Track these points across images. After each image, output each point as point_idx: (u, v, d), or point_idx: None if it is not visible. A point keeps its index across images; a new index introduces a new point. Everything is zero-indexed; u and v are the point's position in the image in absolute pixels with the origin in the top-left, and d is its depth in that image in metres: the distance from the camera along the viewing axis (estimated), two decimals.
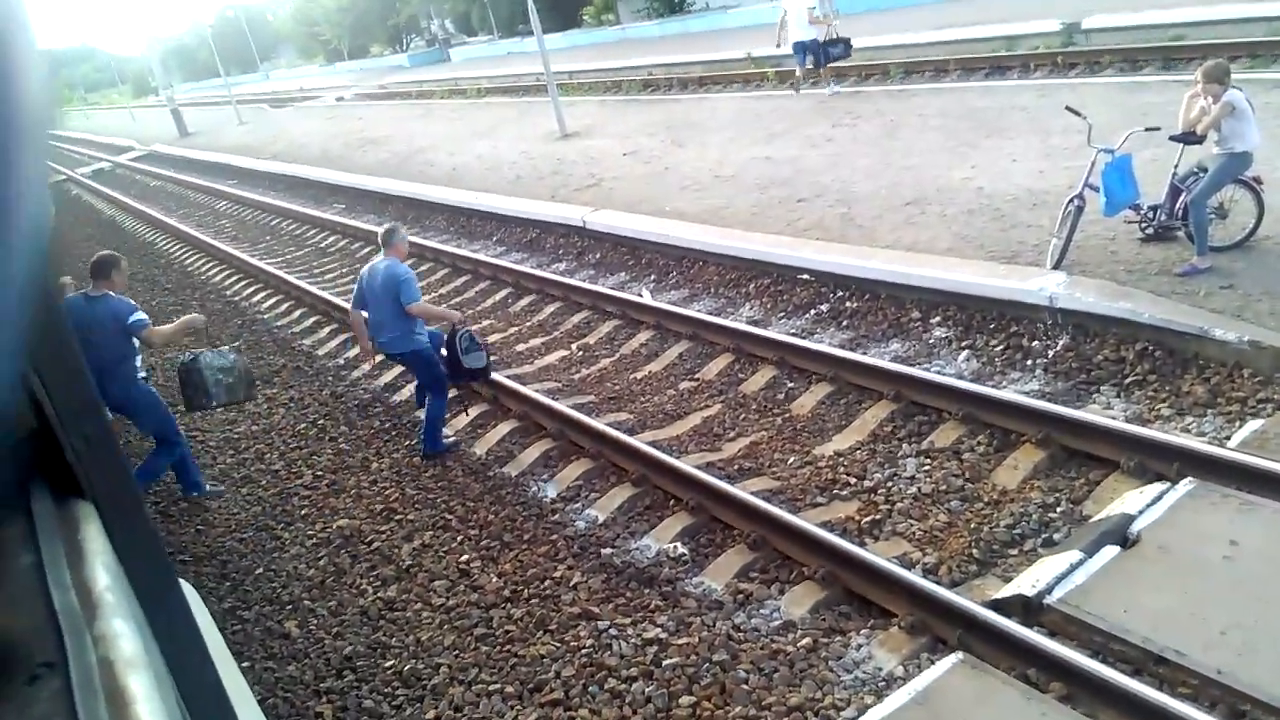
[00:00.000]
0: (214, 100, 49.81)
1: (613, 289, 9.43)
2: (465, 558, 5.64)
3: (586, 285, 9.62)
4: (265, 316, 11.62)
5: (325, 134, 26.04)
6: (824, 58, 14.89)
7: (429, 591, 5.39)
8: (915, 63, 16.61)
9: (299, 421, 8.28)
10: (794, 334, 7.51)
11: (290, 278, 12.44)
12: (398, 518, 6.30)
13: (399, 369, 8.58)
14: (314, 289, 11.61)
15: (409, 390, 8.22)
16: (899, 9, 23.88)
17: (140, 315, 6.18)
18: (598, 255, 10.81)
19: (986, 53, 15.81)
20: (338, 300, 10.84)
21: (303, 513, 6.66)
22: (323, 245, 14.95)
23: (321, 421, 8.17)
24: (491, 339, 9.18)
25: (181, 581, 2.24)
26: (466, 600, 5.23)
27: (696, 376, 7.40)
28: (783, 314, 8.11)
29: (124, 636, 0.85)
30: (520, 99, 25.16)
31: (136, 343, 6.25)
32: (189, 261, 15.72)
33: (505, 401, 7.44)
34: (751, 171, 11.49)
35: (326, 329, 10.53)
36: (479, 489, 6.44)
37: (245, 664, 5.10)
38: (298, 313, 11.40)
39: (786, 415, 6.49)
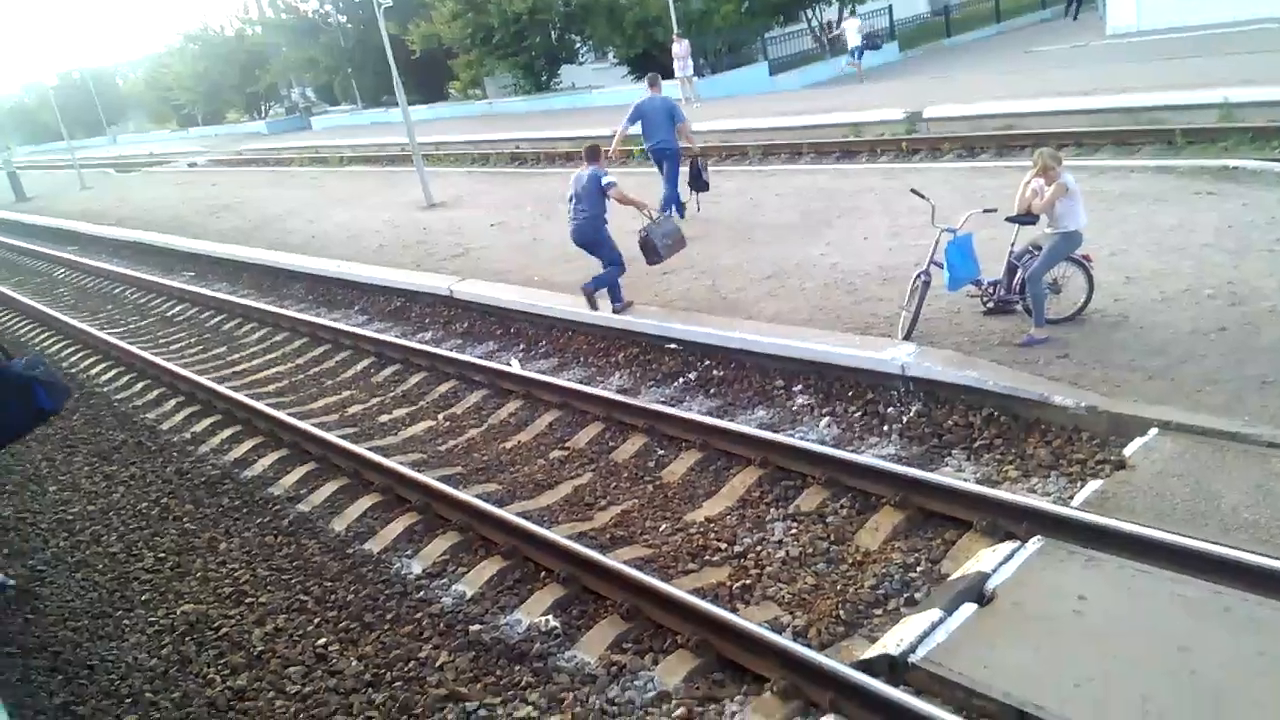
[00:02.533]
0: (56, 164, 47.10)
1: (481, 358, 9.31)
2: (322, 641, 5.32)
3: (453, 354, 9.46)
4: (105, 389, 10.87)
5: (176, 200, 24.98)
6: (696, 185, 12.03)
7: (283, 679, 5.04)
8: (772, 145, 17.42)
9: (140, 500, 7.72)
10: (663, 402, 7.58)
11: (133, 348, 11.72)
12: (249, 600, 5.91)
13: (252, 443, 8.19)
14: (159, 360, 10.96)
15: (262, 466, 7.82)
16: (758, 95, 25.11)
17: (612, 178, 8.55)
18: (465, 324, 10.68)
19: (838, 137, 16.76)
20: (184, 371, 10.27)
21: (144, 598, 6.16)
22: (169, 314, 14.19)
23: (165, 500, 7.64)
24: (351, 411, 8.88)
25: None
26: (324, 686, 4.91)
27: (567, 445, 7.34)
28: (652, 383, 8.18)
29: None
30: (384, 168, 24.91)
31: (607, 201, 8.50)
32: (21, 332, 14.61)
33: (366, 475, 7.16)
34: (620, 244, 11.64)
35: (171, 401, 9.92)
36: (337, 567, 6.13)
37: None
38: (140, 385, 10.72)
39: (657, 482, 6.50)
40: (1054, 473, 5.54)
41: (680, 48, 24.18)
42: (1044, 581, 4.38)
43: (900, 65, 27.36)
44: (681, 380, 8.06)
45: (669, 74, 25.76)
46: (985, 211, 7.35)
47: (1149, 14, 22.79)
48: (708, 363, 8.09)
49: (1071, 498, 5.11)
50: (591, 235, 8.78)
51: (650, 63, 28.39)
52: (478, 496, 6.38)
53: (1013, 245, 7.07)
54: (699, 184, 11.90)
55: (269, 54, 45.21)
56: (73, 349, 12.77)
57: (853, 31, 25.51)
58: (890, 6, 30.16)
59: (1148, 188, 9.69)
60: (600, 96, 29.65)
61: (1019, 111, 15.08)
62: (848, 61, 25.73)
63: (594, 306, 9.03)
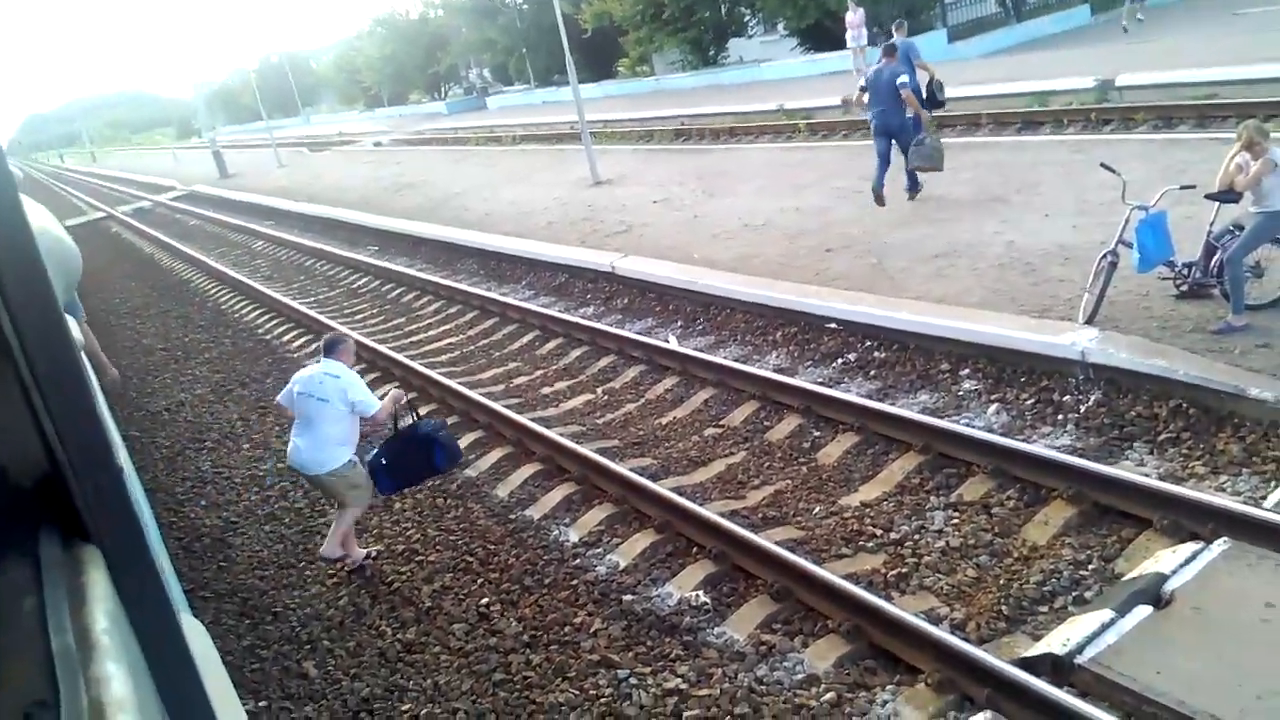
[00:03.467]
0: (255, 143, 51.05)
1: (639, 334, 9.45)
2: (485, 601, 5.60)
3: (613, 330, 9.65)
4: (296, 356, 11.75)
5: (362, 178, 26.54)
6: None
7: (448, 634, 5.35)
8: (948, 116, 16.67)
9: None
10: (821, 383, 7.46)
11: (322, 317, 12.60)
12: (419, 559, 6.28)
13: (426, 410, 8.64)
14: (343, 329, 11.73)
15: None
16: (935, 63, 24.06)
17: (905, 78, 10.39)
18: (625, 301, 10.86)
19: (1019, 108, 15.84)
20: (366, 340, 10.95)
21: None
22: (355, 286, 15.15)
23: None
24: (517, 382, 9.22)
25: (192, 621, 2.24)
26: (485, 644, 5.18)
27: (722, 423, 7.36)
28: (809, 363, 8.07)
29: (116, 679, 0.86)
30: (554, 147, 25.54)
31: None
32: (223, 300, 15.97)
33: (529, 444, 7.44)
34: (780, 221, 11.53)
35: (355, 369, 10.59)
36: (500, 532, 6.41)
37: (262, 703, 5.07)
38: None
39: (812, 464, 6.43)
40: (1246, 471, 5.10)
41: (855, 16, 23.44)
42: (1229, 586, 4.06)
43: (1093, 30, 25.52)
44: (841, 361, 7.90)
45: (841, 44, 25.09)
46: (1182, 188, 6.81)
47: None
48: (869, 344, 7.89)
49: (1264, 498, 4.71)
50: (898, 124, 10.52)
51: (823, 34, 27.74)
52: (633, 470, 6.51)
53: (1211, 225, 6.52)
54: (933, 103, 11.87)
55: (450, 36, 47.12)
56: (268, 316, 13.86)
57: None
58: None
59: None
60: (769, 70, 29.22)
61: (1223, 79, 13.76)
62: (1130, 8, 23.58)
63: (881, 203, 10.47)
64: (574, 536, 6.15)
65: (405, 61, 52.57)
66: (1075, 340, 6.40)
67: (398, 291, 14.00)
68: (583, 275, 11.93)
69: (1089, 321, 6.67)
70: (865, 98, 10.96)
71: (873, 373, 7.58)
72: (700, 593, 5.21)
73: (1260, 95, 12.67)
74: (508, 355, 10.16)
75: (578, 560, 5.86)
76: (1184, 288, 6.77)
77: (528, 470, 7.15)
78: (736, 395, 7.67)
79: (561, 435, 7.28)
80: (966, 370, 7.07)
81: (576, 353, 9.61)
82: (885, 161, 10.77)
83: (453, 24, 46.38)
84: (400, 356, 10.08)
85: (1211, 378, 5.62)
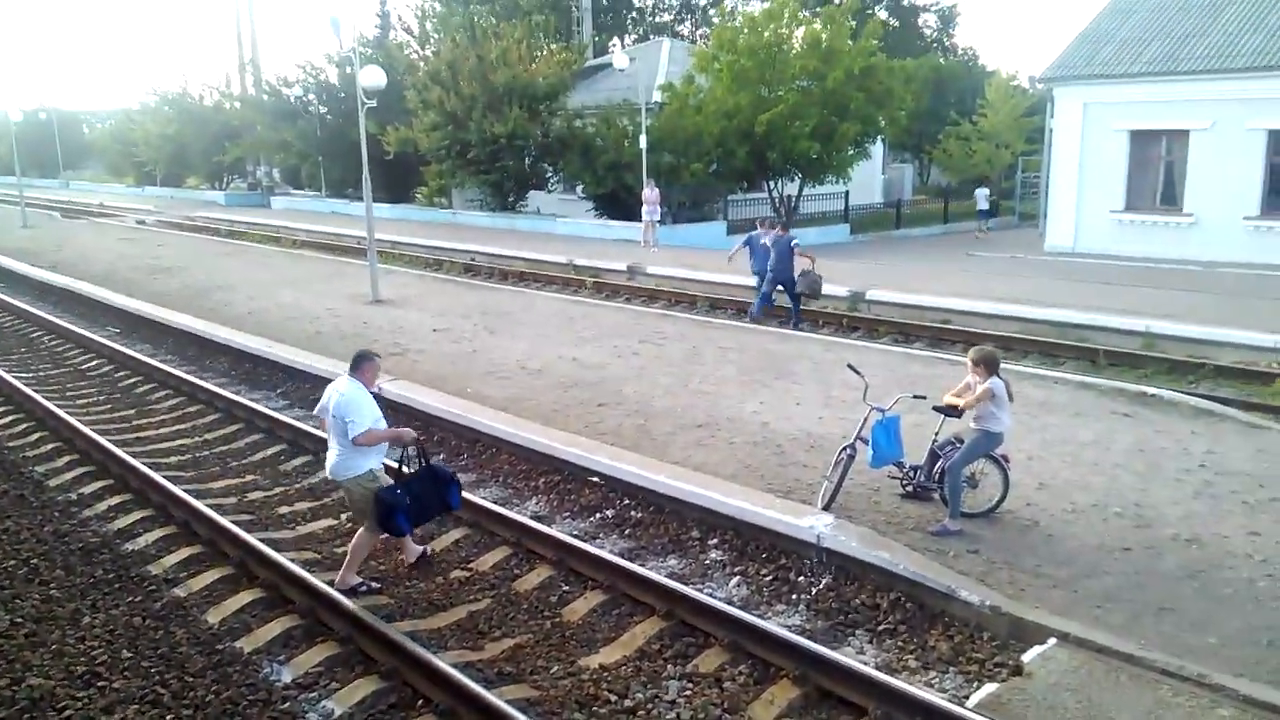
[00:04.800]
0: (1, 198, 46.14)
1: (396, 461, 9.05)
2: None
3: None
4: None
5: (116, 254, 24.50)
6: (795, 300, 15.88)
7: None
8: (720, 299, 17.90)
9: (8, 557, 7.19)
10: (576, 535, 7.42)
11: (37, 396, 11.19)
12: (101, 684, 5.45)
13: (140, 515, 7.75)
14: (61, 412, 10.46)
15: (145, 540, 7.38)
16: (713, 250, 25.95)
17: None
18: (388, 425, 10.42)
19: (784, 303, 17.29)
20: (85, 428, 9.79)
21: None
22: (83, 367, 13.65)
23: (35, 561, 7.13)
24: (251, 497, 8.51)
25: None
26: None
27: (470, 566, 7.09)
28: (568, 514, 8.03)
29: None
30: (337, 258, 24.88)
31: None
32: None
33: (252, 567, 6.80)
34: (558, 370, 11.69)
35: (65, 458, 9.41)
36: (203, 662, 5.72)
37: None
38: (35, 435, 10.18)
39: (557, 619, 6.27)
40: (952, 669, 5.50)
41: (651, 193, 25.09)
42: None
43: (850, 247, 28.63)
44: (599, 515, 7.92)
45: (634, 215, 26.58)
46: (915, 397, 7.55)
47: (1085, 238, 24.41)
48: (627, 501, 7.99)
49: (967, 697, 5.06)
50: (787, 275, 15.03)
51: (617, 203, 29.33)
52: (365, 608, 6.09)
53: (936, 434, 7.24)
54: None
55: (242, 130, 45.49)
56: None
57: (982, 197, 31.30)
58: (847, 192, 31.82)
59: (1069, 400, 10.11)
60: (563, 225, 30.35)
61: (955, 308, 15.80)
62: (979, 226, 30.97)
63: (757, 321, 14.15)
64: (287, 676, 5.59)
65: (189, 145, 49.91)
66: (813, 524, 6.78)
67: (133, 380, 12.74)
68: None
69: (826, 508, 7.11)
70: (746, 253, 15.99)
71: (628, 531, 7.64)
72: None
73: (985, 327, 14.61)
74: (247, 466, 9.40)
75: (286, 704, 5.30)
76: (909, 488, 7.42)
77: (246, 597, 6.50)
78: (489, 539, 7.45)
79: (292, 561, 6.72)
80: (715, 540, 7.28)
81: (320, 475, 9.04)
82: (766, 299, 15.69)
83: (248, 118, 44.90)
84: (120, 452, 9.06)
85: (928, 575, 6.10)
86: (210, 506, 7.76)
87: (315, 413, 6.99)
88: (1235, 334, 13.14)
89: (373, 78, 16.22)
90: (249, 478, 9.05)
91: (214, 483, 8.84)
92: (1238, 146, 21.78)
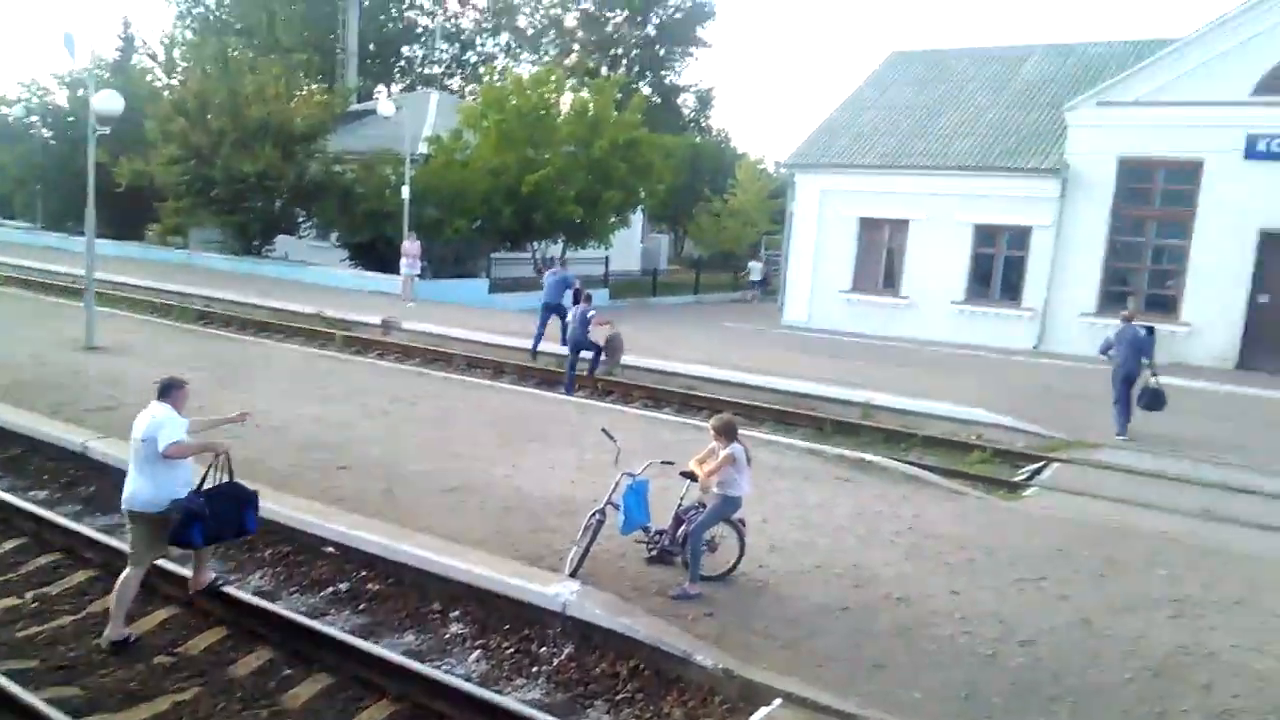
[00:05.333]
0: None
1: (100, 531, 8.08)
2: None
3: (67, 522, 8.15)
4: None
5: None
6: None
7: None
8: (477, 358, 17.70)
9: None
10: (304, 612, 6.89)
11: None
12: None
13: None
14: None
15: None
16: (474, 308, 25.72)
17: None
18: (93, 488, 9.33)
19: (542, 365, 17.37)
20: None
21: None
22: None
23: None
24: None
25: None
26: None
27: (177, 650, 6.38)
28: (296, 588, 7.46)
29: None
30: (48, 298, 22.24)
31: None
32: None
33: None
34: (297, 428, 10.98)
35: None
36: None
37: None
38: None
39: (275, 709, 5.75)
40: None
41: (412, 246, 24.52)
42: None
43: (609, 311, 29.37)
44: (331, 590, 7.43)
45: (392, 267, 25.83)
46: (663, 463, 7.74)
47: (818, 315, 26.63)
48: (364, 573, 7.56)
49: None
50: (587, 342, 15.65)
51: (374, 253, 28.42)
52: (47, 701, 5.30)
53: (682, 499, 7.45)
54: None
55: None
56: None
57: (756, 269, 36.10)
58: (607, 258, 32.80)
59: (799, 465, 10.79)
60: (313, 273, 28.98)
61: (702, 375, 16.58)
62: (748, 293, 35.37)
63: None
64: None
65: None
66: (559, 591, 6.72)
67: None
68: (44, 451, 10.10)
69: (573, 574, 7.07)
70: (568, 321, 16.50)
71: (363, 606, 7.21)
72: None
73: (729, 395, 15.39)
74: None
75: None
76: (654, 552, 7.55)
77: None
78: (202, 619, 6.76)
79: None
80: (457, 612, 7.02)
81: (11, 544, 7.91)
82: (572, 369, 15.95)
83: None
84: None
85: (666, 640, 6.19)
86: None
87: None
88: (938, 405, 14.70)
89: (108, 103, 14.82)
90: None
91: None
92: (949, 237, 24.68)
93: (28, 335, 16.13)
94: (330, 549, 7.79)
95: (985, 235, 24.46)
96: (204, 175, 28.58)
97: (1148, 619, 6.97)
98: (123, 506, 6.44)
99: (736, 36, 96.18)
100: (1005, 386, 17.45)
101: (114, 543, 7.69)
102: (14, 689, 5.37)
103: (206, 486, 6.43)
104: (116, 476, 9.05)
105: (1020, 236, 24.08)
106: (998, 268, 24.58)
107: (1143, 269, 23.35)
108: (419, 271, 25.08)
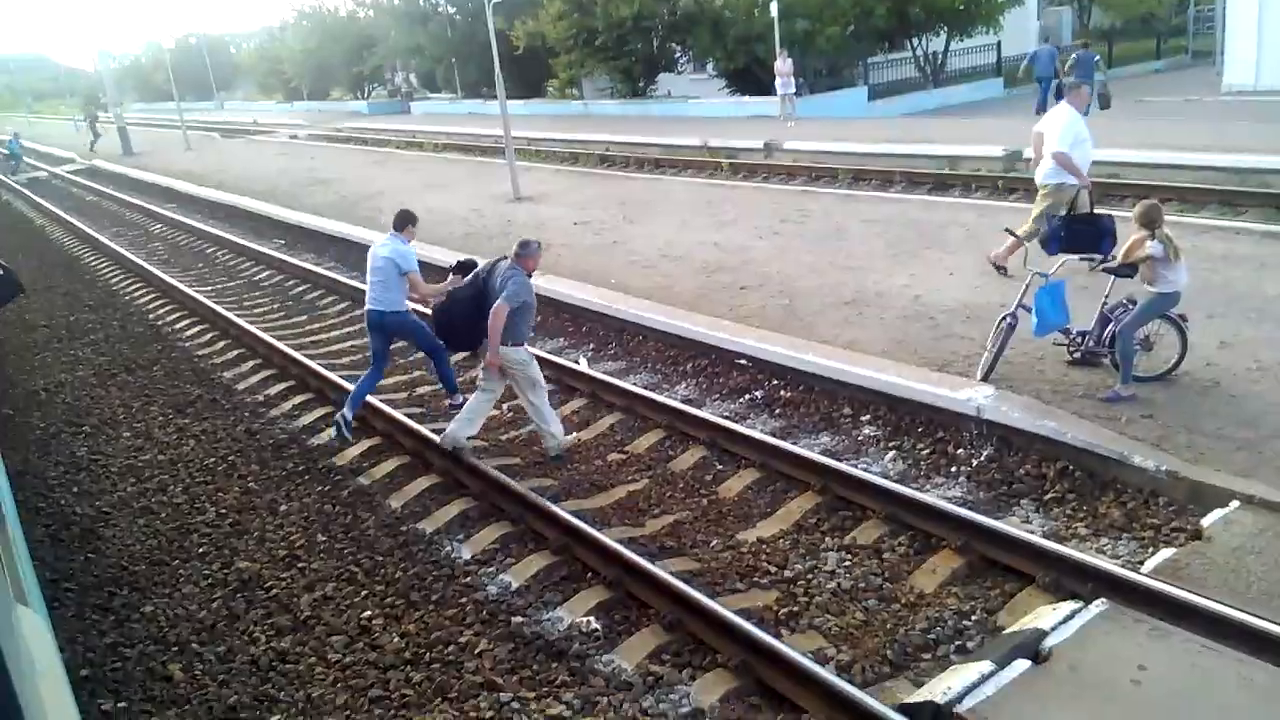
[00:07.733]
0: (163, 123, 49.11)
1: (550, 354, 9.36)
2: (368, 614, 5.40)
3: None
4: (186, 344, 11.24)
5: (274, 169, 25.76)
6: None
7: (325, 646, 5.13)
8: (863, 170, 17.20)
9: (208, 455, 7.95)
10: (727, 417, 7.51)
11: (218, 308, 12.10)
12: (301, 565, 6.03)
13: (322, 412, 8.35)
14: (241, 322, 11.29)
15: (329, 434, 7.98)
16: (855, 119, 24.84)
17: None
18: (538, 319, 10.74)
19: (931, 169, 16.46)
20: (264, 335, 10.55)
21: (201, 551, 6.34)
22: (257, 279, 14.62)
23: (232, 458, 7.86)
24: (420, 392, 9.01)
25: (30, 614, 2.06)
26: (364, 659, 4.98)
27: (626, 450, 7.33)
28: (717, 396, 8.13)
29: None
30: (477, 159, 25.30)
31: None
32: (114, 280, 15.21)
33: (427, 456, 7.25)
34: (699, 255, 11.65)
35: (249, 363, 10.21)
36: (389, 543, 6.21)
37: (122, 704, 4.75)
38: (221, 344, 11.06)
39: (713, 497, 6.44)
40: (1126, 535, 5.33)
41: (784, 65, 24.02)
42: (1104, 646, 4.21)
43: (1005, 102, 26.81)
44: (748, 397, 7.98)
45: (767, 90, 25.65)
46: (1081, 259, 7.12)
47: (1268, 73, 21.88)
48: (776, 382, 8.00)
49: (1142, 563, 4.90)
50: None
51: (750, 78, 28.33)
52: (532, 489, 6.41)
53: (1106, 297, 6.84)
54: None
55: (377, 37, 46.28)
56: (161, 302, 13.24)
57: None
58: (999, 43, 29.53)
59: (1254, 252, 9.30)
60: (696, 107, 29.67)
61: (1123, 160, 14.59)
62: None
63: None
64: (467, 553, 6.00)
65: (329, 57, 51.35)
66: (972, 396, 6.61)
67: (302, 288, 13.57)
68: None
69: (985, 378, 6.89)
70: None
71: (778, 411, 7.67)
72: (592, 618, 5.13)
73: (1157, 179, 13.47)
74: (414, 363, 9.92)
75: (468, 578, 5.72)
76: (1077, 355, 7.07)
77: (424, 482, 6.97)
78: (643, 423, 7.66)
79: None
80: (867, 416, 7.22)
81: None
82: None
83: (381, 25, 45.59)
84: (298, 355, 9.74)
85: (1098, 443, 5.86)
86: (384, 402, 8.28)
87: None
88: None
89: None
90: (416, 373, 9.56)
91: (385, 379, 9.39)
92: None
93: (468, 191, 18.60)
94: (743, 361, 8.31)
95: None
96: (586, 25, 30.13)
97: None
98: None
99: None
100: None
101: (561, 361, 8.87)
102: (508, 481, 6.55)
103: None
104: (552, 308, 10.33)
105: None
106: None
107: None
108: (795, 90, 24.61)
